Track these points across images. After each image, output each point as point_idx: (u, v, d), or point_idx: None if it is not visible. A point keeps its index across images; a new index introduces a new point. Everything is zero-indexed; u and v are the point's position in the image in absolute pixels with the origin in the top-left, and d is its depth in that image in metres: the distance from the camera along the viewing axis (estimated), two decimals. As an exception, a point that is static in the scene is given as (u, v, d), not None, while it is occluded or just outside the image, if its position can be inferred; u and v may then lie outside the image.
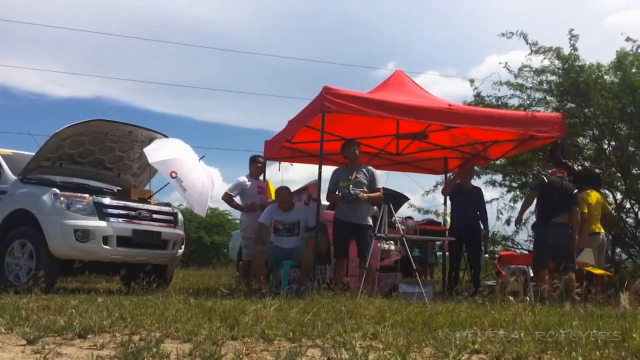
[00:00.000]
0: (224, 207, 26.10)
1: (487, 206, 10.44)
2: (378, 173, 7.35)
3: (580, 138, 9.83)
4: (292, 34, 52.16)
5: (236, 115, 53.94)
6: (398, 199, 9.88)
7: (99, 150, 8.57)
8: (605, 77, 9.11)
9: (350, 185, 6.81)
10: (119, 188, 9.07)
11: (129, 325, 3.68)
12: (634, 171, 9.27)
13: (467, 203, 8.13)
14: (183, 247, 8.50)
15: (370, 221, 6.97)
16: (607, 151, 9.57)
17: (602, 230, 7.71)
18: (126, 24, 44.41)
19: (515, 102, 10.02)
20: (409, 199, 10.65)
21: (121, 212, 7.65)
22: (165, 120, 49.92)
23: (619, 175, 9.45)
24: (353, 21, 52.82)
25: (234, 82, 52.95)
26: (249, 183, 8.17)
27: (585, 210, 7.46)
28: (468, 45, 52.90)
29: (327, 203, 7.77)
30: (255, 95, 70.99)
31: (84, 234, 7.17)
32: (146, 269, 7.27)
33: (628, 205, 9.47)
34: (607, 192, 9.74)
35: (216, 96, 68.07)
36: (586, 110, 9.23)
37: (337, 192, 6.91)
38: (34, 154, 7.90)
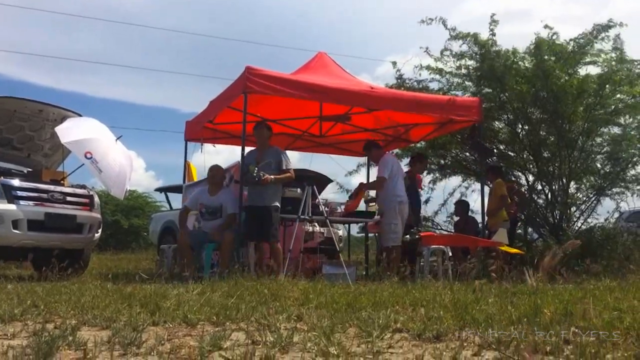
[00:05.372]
0: (143, 189, 25.46)
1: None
2: (287, 154, 7.32)
3: (496, 122, 10.18)
4: (187, 8, 50.66)
5: (131, 92, 51.76)
6: (321, 180, 9.92)
7: (7, 129, 8.14)
8: (520, 63, 9.45)
9: (256, 168, 6.74)
10: (29, 169, 8.65)
11: (43, 313, 3.51)
12: (544, 154, 9.71)
13: None
14: (100, 230, 8.21)
15: (276, 203, 6.88)
16: (520, 135, 9.97)
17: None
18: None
19: (435, 85, 10.25)
20: (332, 181, 10.72)
21: (32, 194, 7.30)
22: (56, 95, 47.22)
23: (531, 158, 9.87)
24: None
25: (123, 55, 50.48)
26: None
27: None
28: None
29: None
30: (149, 71, 68.17)
31: (-9, 218, 6.79)
32: (54, 253, 6.96)
33: (539, 187, 9.90)
34: (519, 174, 10.17)
35: (103, 70, 64.88)
36: (501, 95, 9.56)
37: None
38: None
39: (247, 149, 7.13)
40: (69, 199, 7.68)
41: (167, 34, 72.66)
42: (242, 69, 6.90)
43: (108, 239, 20.34)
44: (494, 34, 9.40)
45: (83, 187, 8.26)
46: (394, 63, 10.64)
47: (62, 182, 8.26)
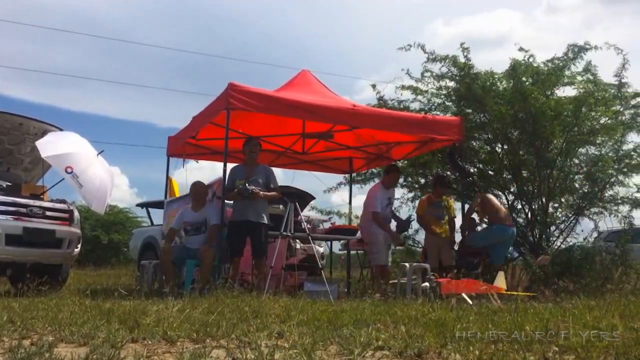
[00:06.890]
0: (124, 204, 25.28)
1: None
2: (275, 172, 7.36)
3: (476, 141, 10.28)
4: (170, 24, 50.92)
5: (113, 106, 51.70)
6: (304, 197, 9.91)
7: (-14, 143, 8.03)
8: (499, 84, 9.58)
9: (247, 183, 6.75)
10: (9, 183, 8.52)
11: (19, 329, 3.46)
12: (524, 174, 9.82)
13: None
14: (79, 246, 8.11)
15: (266, 220, 6.93)
16: (500, 154, 10.07)
17: None
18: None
19: (416, 106, 10.34)
20: (314, 198, 10.71)
21: (10, 208, 7.20)
22: (37, 109, 46.77)
23: (511, 177, 9.97)
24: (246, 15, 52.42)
25: (104, 70, 50.61)
26: None
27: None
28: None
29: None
30: (131, 86, 68.61)
31: (-33, 233, 6.68)
32: (27, 267, 6.86)
33: (519, 206, 9.99)
34: (499, 193, 10.26)
35: (84, 85, 65.09)
36: (481, 115, 9.67)
37: (234, 190, 6.84)
38: None
39: (230, 165, 7.13)
40: (48, 213, 7.59)
41: (150, 50, 72.81)
42: (225, 85, 6.91)
43: (88, 254, 20.10)
44: (469, 59, 9.56)
45: (63, 201, 8.17)
46: (374, 86, 10.76)
47: (41, 196, 8.17)
